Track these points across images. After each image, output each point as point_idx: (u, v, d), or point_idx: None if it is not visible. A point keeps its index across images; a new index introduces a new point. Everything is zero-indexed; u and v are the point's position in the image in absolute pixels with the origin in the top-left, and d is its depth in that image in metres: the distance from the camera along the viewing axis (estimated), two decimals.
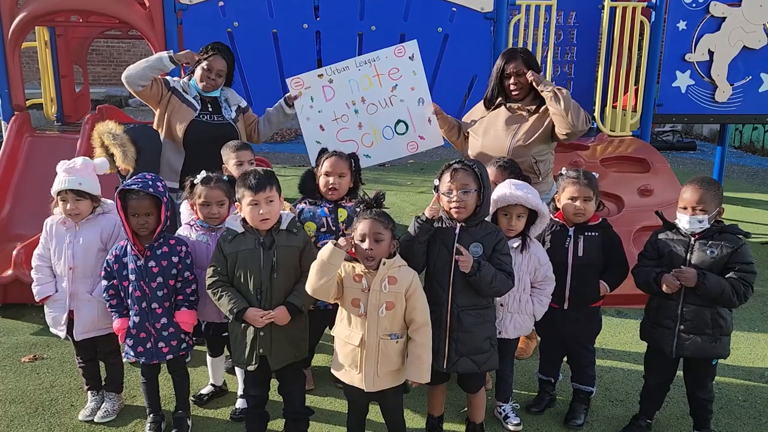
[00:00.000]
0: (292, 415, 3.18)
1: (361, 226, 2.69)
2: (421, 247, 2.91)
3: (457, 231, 2.90)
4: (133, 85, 4.08)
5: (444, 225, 2.95)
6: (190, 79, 4.23)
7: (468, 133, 4.08)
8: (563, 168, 3.44)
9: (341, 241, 2.65)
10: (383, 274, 2.69)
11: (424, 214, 2.92)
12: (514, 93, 3.86)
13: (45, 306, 3.34)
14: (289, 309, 2.91)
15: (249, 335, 2.94)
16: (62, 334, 3.33)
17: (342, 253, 2.64)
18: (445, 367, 2.95)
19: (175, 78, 4.31)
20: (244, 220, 2.95)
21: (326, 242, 3.35)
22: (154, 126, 4.26)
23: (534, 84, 3.78)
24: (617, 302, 4.72)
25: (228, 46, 4.31)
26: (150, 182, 3.05)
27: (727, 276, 2.92)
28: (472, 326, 2.90)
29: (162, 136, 4.21)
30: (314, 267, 2.68)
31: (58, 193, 3.21)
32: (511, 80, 3.84)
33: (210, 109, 4.23)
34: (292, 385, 3.14)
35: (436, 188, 2.96)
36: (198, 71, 4.16)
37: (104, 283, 3.12)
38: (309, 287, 2.72)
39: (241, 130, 4.30)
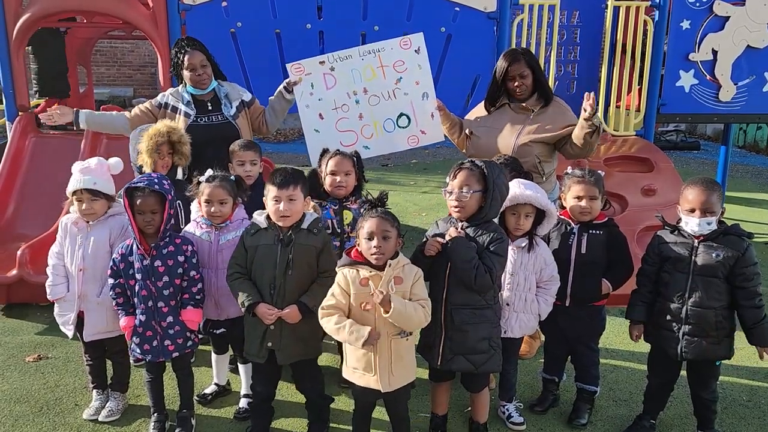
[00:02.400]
0: (313, 405, 3.21)
1: (368, 225, 2.70)
2: (425, 262, 2.91)
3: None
4: (126, 133, 4.16)
5: (449, 221, 2.95)
6: (185, 87, 4.22)
7: (470, 132, 4.08)
8: (568, 167, 3.44)
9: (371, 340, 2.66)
10: (389, 275, 2.69)
11: (423, 249, 2.90)
12: (518, 94, 3.86)
13: (55, 304, 3.35)
14: (301, 309, 2.94)
15: (260, 328, 2.98)
16: (70, 333, 3.34)
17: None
18: (438, 363, 2.95)
19: (166, 92, 4.31)
20: (268, 216, 2.99)
21: (332, 244, 3.38)
22: None
23: (587, 119, 3.59)
24: (621, 302, 4.66)
25: (193, 38, 4.28)
26: (156, 180, 3.07)
27: (745, 303, 2.95)
28: (465, 325, 2.89)
29: None
30: (334, 330, 2.73)
31: (74, 193, 3.22)
32: (516, 82, 3.84)
33: (210, 108, 4.22)
34: (309, 381, 3.19)
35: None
36: (185, 74, 4.15)
37: (111, 281, 3.14)
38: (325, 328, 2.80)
39: (242, 127, 4.27)
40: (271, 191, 2.93)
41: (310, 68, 4.27)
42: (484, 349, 2.94)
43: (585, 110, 3.58)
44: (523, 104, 3.85)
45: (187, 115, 4.17)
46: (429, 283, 2.94)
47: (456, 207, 2.88)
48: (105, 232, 3.27)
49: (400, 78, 4.28)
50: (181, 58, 4.14)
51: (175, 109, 4.19)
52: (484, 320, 2.93)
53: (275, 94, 4.41)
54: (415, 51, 4.27)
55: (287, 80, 4.31)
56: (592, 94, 3.59)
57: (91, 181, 3.20)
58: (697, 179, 3.01)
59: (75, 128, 4.24)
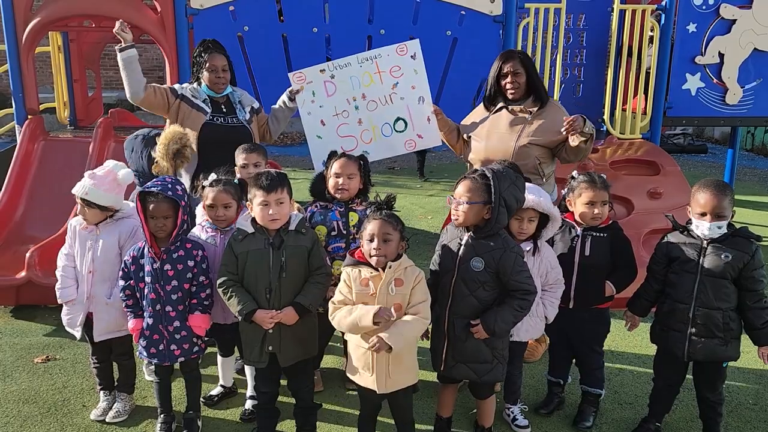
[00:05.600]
0: (302, 410, 3.22)
1: (370, 227, 2.71)
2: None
3: (463, 242, 2.87)
4: (136, 96, 4.12)
5: (455, 232, 2.93)
6: (199, 85, 4.26)
7: (468, 137, 4.07)
8: (573, 171, 3.44)
9: (381, 313, 2.62)
10: (389, 277, 2.70)
11: None
12: (510, 92, 3.82)
13: (64, 306, 3.38)
14: (297, 309, 2.95)
15: (258, 333, 2.98)
16: (78, 334, 3.37)
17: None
18: (442, 369, 2.97)
19: (184, 84, 4.35)
20: (254, 220, 2.98)
21: (338, 245, 3.40)
22: None
23: (574, 130, 3.57)
24: (626, 305, 4.71)
25: (217, 41, 4.31)
26: (169, 185, 3.07)
27: (753, 305, 2.95)
28: (467, 335, 2.88)
29: None
30: (346, 323, 2.73)
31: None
32: (508, 79, 3.82)
33: (224, 111, 4.26)
34: (301, 382, 3.18)
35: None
36: (205, 74, 4.19)
37: (121, 283, 3.16)
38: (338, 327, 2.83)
39: (254, 132, 4.33)
40: (258, 196, 2.91)
41: (311, 77, 4.34)
42: (487, 359, 2.92)
43: (570, 134, 3.58)
44: (520, 107, 3.84)
45: (203, 111, 4.20)
46: (435, 290, 2.94)
47: (454, 216, 2.88)
48: (114, 234, 3.30)
49: (397, 83, 4.32)
50: (204, 57, 4.18)
51: (191, 103, 4.20)
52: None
53: (278, 102, 4.46)
54: (411, 57, 4.31)
55: (289, 89, 4.37)
56: (567, 118, 3.60)
57: (84, 190, 3.21)
58: (708, 182, 2.98)
59: (120, 49, 4.09)
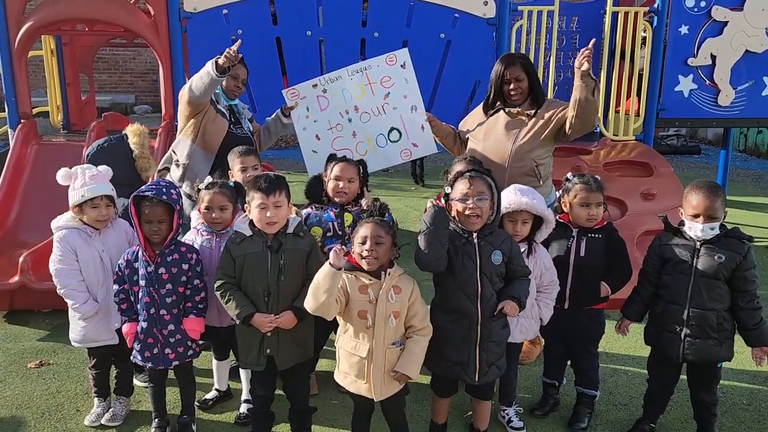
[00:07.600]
0: (297, 414, 3.21)
1: (362, 230, 2.72)
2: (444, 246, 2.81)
3: (476, 241, 2.87)
4: (201, 99, 3.97)
5: (460, 233, 2.89)
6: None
7: (467, 138, 4.09)
8: (569, 173, 3.45)
9: (332, 257, 2.55)
10: (389, 285, 2.70)
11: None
12: (513, 98, 3.86)
13: (81, 322, 3.27)
14: (296, 313, 2.94)
15: (256, 336, 2.98)
16: (116, 339, 3.30)
17: (338, 274, 2.58)
18: (477, 379, 2.91)
19: None
20: (251, 222, 2.98)
21: (333, 247, 3.39)
22: (181, 133, 4.16)
23: (584, 71, 3.51)
24: (620, 306, 4.70)
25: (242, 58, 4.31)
26: (164, 189, 3.08)
27: (745, 305, 2.97)
28: (498, 335, 2.93)
29: (190, 144, 4.10)
30: (311, 288, 2.65)
31: (90, 201, 3.20)
32: (511, 85, 3.84)
33: (232, 120, 4.28)
34: (297, 385, 3.18)
35: (447, 195, 2.92)
36: (225, 80, 4.17)
37: (115, 287, 3.15)
38: (308, 307, 2.68)
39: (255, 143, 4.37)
40: (255, 198, 2.91)
41: (304, 92, 4.35)
42: (504, 352, 3.01)
43: (581, 65, 3.49)
44: (518, 109, 3.86)
45: (226, 117, 4.19)
46: (450, 295, 2.90)
47: (476, 216, 2.82)
48: (120, 233, 3.34)
49: (388, 93, 4.32)
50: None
51: (216, 108, 4.17)
52: (507, 325, 3.03)
53: (272, 117, 4.47)
54: (401, 66, 4.31)
55: (284, 105, 4.38)
56: (589, 46, 3.52)
57: (108, 187, 3.27)
58: (700, 183, 3.00)
59: (219, 73, 3.80)
